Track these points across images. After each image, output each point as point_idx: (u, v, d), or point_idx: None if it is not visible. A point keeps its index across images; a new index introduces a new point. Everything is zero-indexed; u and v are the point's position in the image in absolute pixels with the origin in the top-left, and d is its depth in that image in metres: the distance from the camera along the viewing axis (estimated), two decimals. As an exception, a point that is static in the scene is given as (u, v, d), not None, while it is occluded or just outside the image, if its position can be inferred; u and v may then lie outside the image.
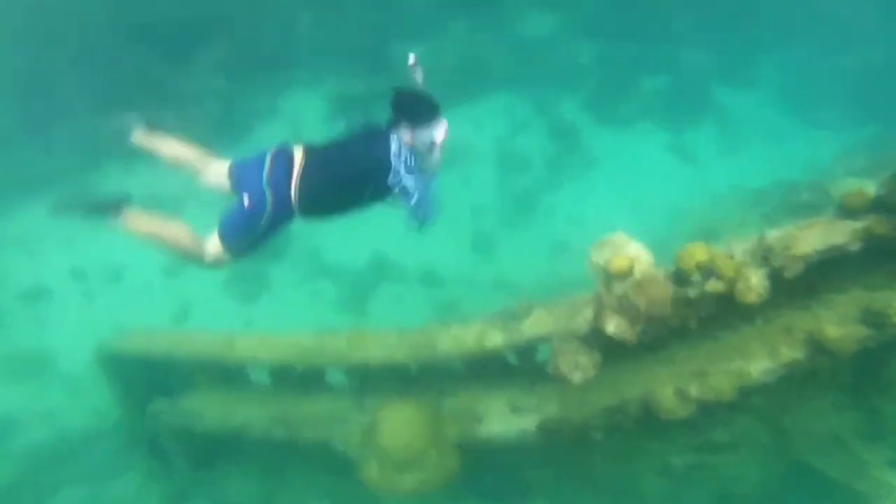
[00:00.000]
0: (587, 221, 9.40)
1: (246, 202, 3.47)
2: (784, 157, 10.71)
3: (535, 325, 4.60)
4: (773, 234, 3.83)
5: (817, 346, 3.75)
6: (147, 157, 3.92)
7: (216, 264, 3.62)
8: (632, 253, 3.83)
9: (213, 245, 3.60)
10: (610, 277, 3.80)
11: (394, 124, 3.41)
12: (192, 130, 10.23)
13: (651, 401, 3.95)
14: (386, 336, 5.02)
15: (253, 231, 3.53)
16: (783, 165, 10.31)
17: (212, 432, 5.29)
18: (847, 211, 3.94)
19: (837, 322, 3.84)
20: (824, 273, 3.85)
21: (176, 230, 3.66)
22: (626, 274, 3.76)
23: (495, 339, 4.66)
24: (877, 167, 7.92)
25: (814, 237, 3.80)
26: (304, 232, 8.99)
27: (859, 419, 4.21)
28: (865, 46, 12.18)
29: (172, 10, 10.07)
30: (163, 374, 5.70)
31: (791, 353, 3.89)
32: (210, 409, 5.34)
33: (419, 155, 3.39)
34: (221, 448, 5.66)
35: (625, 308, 3.72)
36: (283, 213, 3.52)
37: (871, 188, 4.05)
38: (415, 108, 3.29)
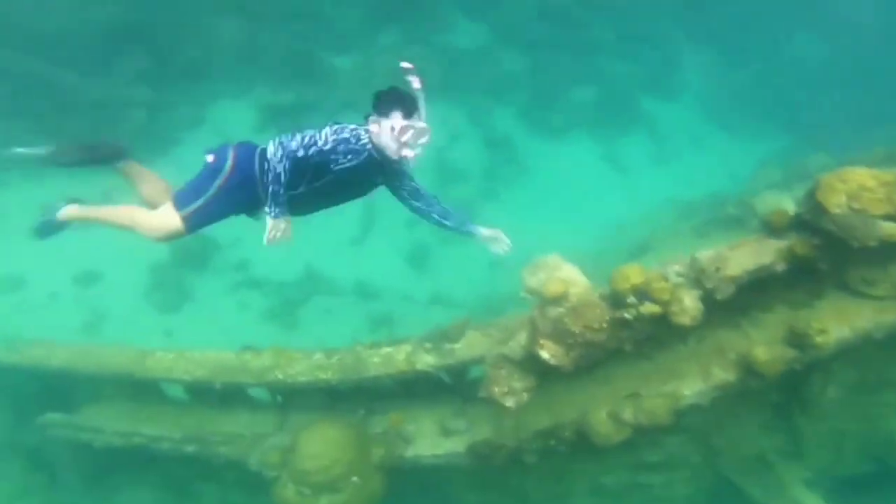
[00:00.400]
0: (524, 233, 9.35)
1: (209, 159, 3.37)
2: (708, 166, 11.16)
3: (469, 346, 4.48)
4: (705, 255, 3.83)
5: (747, 368, 3.77)
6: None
7: (166, 234, 3.40)
8: (566, 276, 3.74)
9: (164, 211, 3.41)
10: (544, 301, 3.69)
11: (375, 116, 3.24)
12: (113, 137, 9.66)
13: (586, 426, 3.86)
14: (312, 355, 4.79)
15: (206, 191, 3.32)
16: (708, 175, 10.74)
17: (113, 447, 5.02)
18: (771, 229, 4.00)
19: (765, 342, 3.88)
20: (752, 292, 3.88)
21: (120, 207, 3.56)
22: (560, 298, 3.65)
23: (426, 360, 4.50)
24: (791, 179, 8.41)
25: (743, 257, 3.82)
26: (233, 240, 8.76)
27: (782, 439, 4.29)
28: (776, 55, 12.93)
29: (86, 18, 9.56)
30: (60, 387, 5.41)
31: (723, 374, 3.92)
32: (113, 424, 5.08)
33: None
34: (122, 463, 5.41)
35: (560, 333, 3.62)
36: (243, 185, 3.31)
37: (790, 205, 4.21)
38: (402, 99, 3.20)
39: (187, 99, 10.18)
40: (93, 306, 8.12)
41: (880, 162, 7.07)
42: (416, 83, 3.20)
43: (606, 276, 3.90)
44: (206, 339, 6.12)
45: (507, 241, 3.46)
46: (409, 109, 3.18)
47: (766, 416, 4.31)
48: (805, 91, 12.31)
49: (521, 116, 11.08)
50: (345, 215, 9.19)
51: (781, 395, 4.23)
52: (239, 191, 3.32)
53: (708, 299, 3.71)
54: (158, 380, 5.09)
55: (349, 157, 3.18)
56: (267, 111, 10.21)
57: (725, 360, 3.97)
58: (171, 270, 8.59)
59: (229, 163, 3.30)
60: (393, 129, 3.12)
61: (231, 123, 10.06)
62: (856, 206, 3.58)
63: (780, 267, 3.75)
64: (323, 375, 4.66)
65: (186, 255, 8.65)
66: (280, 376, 4.73)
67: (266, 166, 3.20)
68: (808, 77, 12.42)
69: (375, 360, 4.65)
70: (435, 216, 3.48)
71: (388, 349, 4.69)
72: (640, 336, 3.80)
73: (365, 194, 3.46)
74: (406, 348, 4.64)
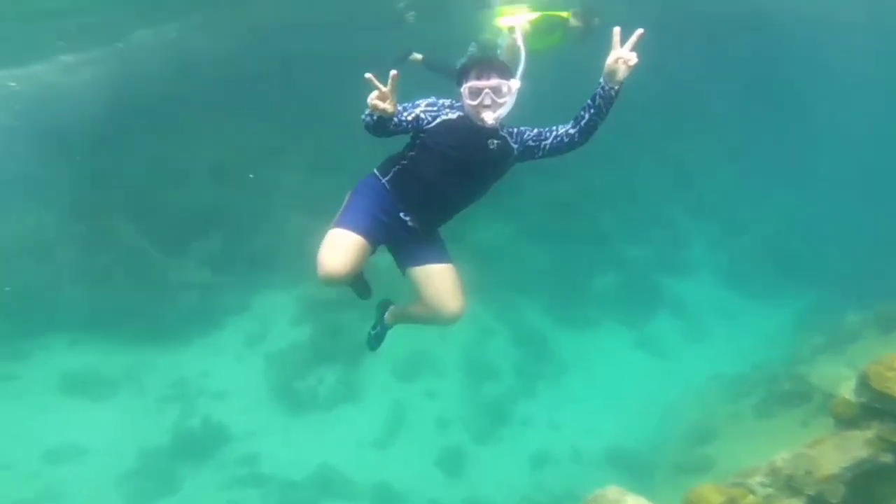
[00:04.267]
0: (569, 428, 8.93)
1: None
2: (743, 337, 10.92)
3: None
4: (784, 458, 3.63)
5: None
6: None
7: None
8: (630, 508, 3.43)
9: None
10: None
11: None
12: (161, 319, 9.71)
13: None
14: None
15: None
16: (747, 346, 10.46)
17: None
18: (842, 420, 4.01)
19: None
20: (870, 484, 3.58)
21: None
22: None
23: None
24: (837, 343, 8.30)
25: (831, 454, 3.57)
26: (247, 433, 8.50)
27: None
28: (767, 216, 13.37)
29: (182, 199, 10.68)
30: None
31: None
32: None
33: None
34: None
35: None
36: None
37: (849, 389, 4.17)
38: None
39: (240, 286, 10.58)
40: (57, 488, 7.65)
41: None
42: (518, 40, 3.13)
43: (673, 475, 3.62)
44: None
45: (632, 54, 2.95)
46: (483, 72, 3.09)
47: None
48: (808, 246, 12.56)
49: (549, 310, 11.15)
50: (370, 413, 8.98)
51: None
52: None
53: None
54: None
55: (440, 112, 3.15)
56: (307, 305, 10.38)
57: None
58: (164, 457, 8.21)
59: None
60: (463, 93, 3.09)
61: (272, 313, 10.30)
62: None
63: (887, 458, 3.54)
64: None
65: (188, 442, 8.40)
66: None
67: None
68: (804, 232, 12.77)
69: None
70: (576, 131, 3.18)
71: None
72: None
73: (491, 178, 3.32)
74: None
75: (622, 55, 2.93)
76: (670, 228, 13.31)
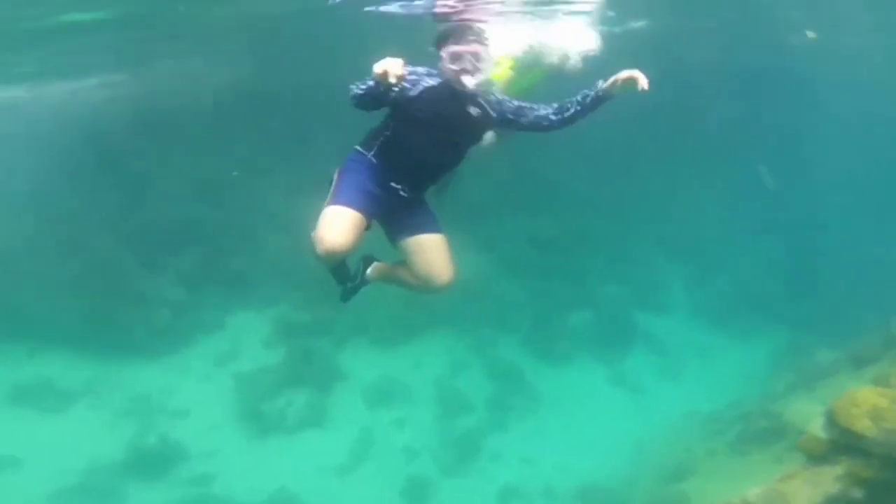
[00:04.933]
0: (541, 463, 8.75)
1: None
2: (718, 372, 10.97)
3: None
4: (754, 493, 3.60)
5: None
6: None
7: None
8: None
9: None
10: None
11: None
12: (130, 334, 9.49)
13: None
14: None
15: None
16: (722, 384, 10.46)
17: None
18: (811, 456, 4.09)
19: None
20: None
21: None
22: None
23: None
24: (807, 380, 8.47)
25: (801, 489, 3.54)
26: (207, 453, 8.26)
27: None
28: (738, 256, 13.54)
29: (164, 214, 10.62)
30: None
31: None
32: None
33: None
34: None
35: None
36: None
37: (818, 424, 4.30)
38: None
39: (214, 305, 10.45)
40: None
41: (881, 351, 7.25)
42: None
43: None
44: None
45: (643, 76, 3.09)
46: (462, 37, 3.16)
47: None
48: (779, 284, 12.73)
49: (525, 344, 11.10)
50: (337, 439, 8.75)
51: None
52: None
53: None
54: None
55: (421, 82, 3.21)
56: (282, 326, 10.28)
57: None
58: (112, 473, 7.94)
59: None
60: (443, 58, 3.15)
61: (245, 333, 10.17)
62: (885, 425, 3.65)
63: (856, 493, 3.51)
64: None
65: (141, 459, 8.15)
66: None
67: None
68: (780, 274, 12.95)
69: None
70: (557, 118, 3.28)
71: None
72: None
73: (470, 141, 3.39)
74: None
75: (637, 75, 3.08)
76: (648, 267, 13.42)
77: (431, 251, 3.45)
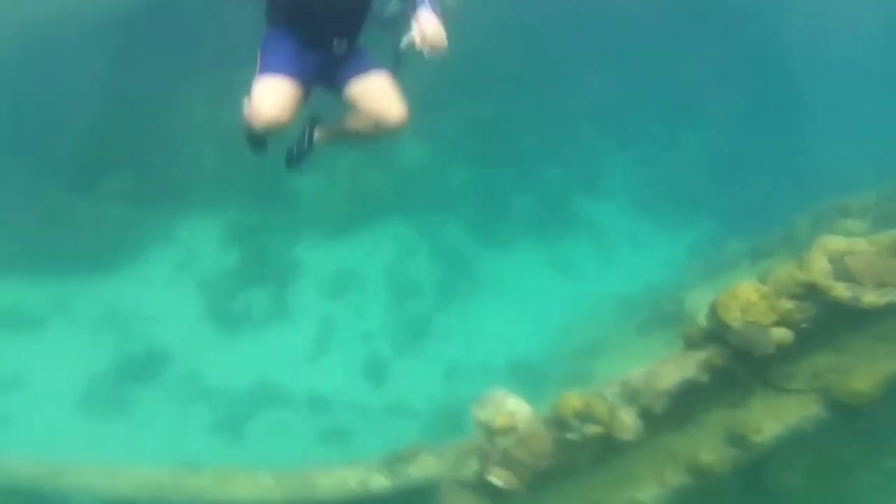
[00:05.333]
0: (479, 341, 9.80)
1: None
2: (644, 259, 11.94)
3: (422, 469, 4.71)
4: (637, 373, 4.33)
5: (697, 470, 4.18)
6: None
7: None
8: (511, 408, 4.14)
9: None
10: (493, 433, 4.05)
11: None
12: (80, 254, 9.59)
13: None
14: (258, 476, 4.71)
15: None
16: (645, 269, 11.50)
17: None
18: (690, 342, 4.56)
19: (710, 445, 4.30)
20: (691, 398, 4.36)
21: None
22: (508, 430, 4.04)
23: (380, 482, 4.67)
24: (714, 270, 9.26)
25: (671, 372, 4.33)
26: (188, 351, 8.90)
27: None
28: (675, 148, 14.21)
29: (83, 141, 10.27)
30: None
31: (677, 477, 4.29)
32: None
33: None
34: None
35: (510, 462, 3.97)
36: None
37: (703, 318, 4.70)
38: None
39: (160, 219, 10.68)
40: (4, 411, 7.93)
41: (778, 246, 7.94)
42: None
43: (560, 385, 4.28)
44: (141, 454, 6.02)
45: (438, 36, 2.94)
46: None
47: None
48: (710, 178, 13.52)
49: (470, 229, 11.76)
50: (301, 330, 9.61)
51: (744, 489, 4.59)
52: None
53: (646, 413, 4.17)
54: (73, 499, 4.65)
55: None
56: (234, 230, 10.73)
57: (677, 464, 4.36)
58: (112, 380, 8.65)
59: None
60: None
61: (199, 241, 10.56)
62: (749, 318, 4.19)
63: (704, 378, 4.28)
64: (269, 497, 4.53)
65: (133, 366, 8.82)
66: (222, 500, 4.54)
67: None
68: (708, 166, 13.69)
69: (326, 483, 4.66)
70: None
71: (341, 472, 4.76)
72: (590, 451, 4.18)
73: None
74: (359, 471, 4.75)
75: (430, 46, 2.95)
76: (591, 152, 13.87)
77: (378, 89, 3.28)
